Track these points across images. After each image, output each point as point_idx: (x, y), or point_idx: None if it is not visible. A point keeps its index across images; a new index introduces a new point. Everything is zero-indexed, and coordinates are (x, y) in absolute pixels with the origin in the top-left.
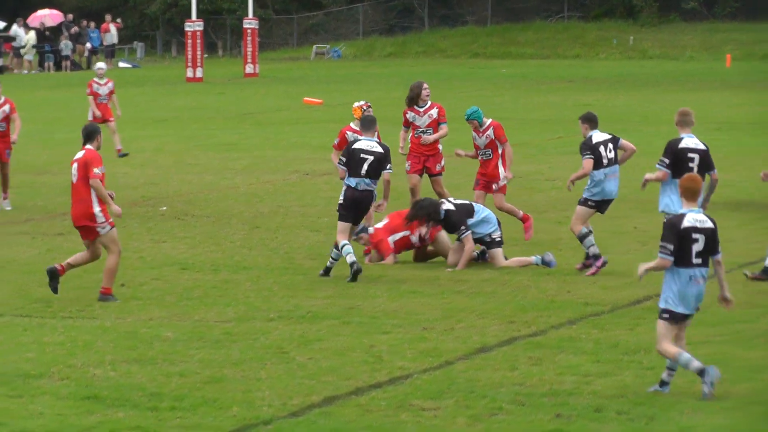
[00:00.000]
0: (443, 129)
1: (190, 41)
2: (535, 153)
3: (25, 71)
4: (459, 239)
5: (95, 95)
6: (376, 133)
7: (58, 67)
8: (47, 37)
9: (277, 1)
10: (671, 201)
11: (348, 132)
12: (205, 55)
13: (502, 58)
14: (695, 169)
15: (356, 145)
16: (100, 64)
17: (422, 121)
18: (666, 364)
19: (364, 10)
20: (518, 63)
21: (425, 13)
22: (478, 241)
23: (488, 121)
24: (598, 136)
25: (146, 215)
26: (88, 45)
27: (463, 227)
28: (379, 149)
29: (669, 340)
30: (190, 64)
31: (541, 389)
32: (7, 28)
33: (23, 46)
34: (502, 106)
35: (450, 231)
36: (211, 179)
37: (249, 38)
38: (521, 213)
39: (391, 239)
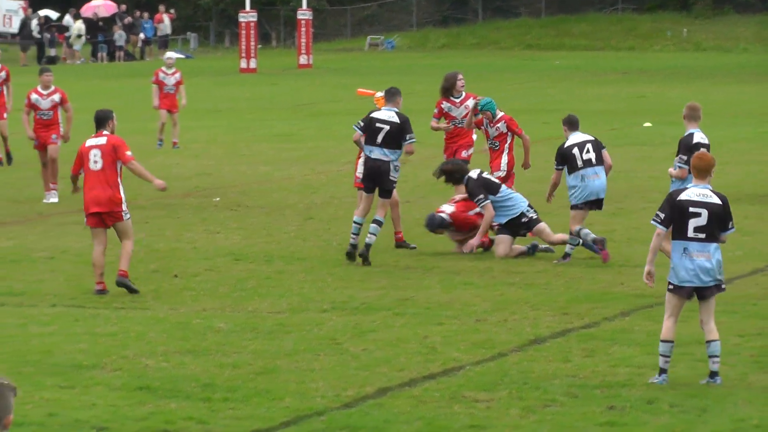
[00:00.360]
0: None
1: (243, 32)
2: None
3: (77, 61)
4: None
5: (161, 84)
6: (399, 105)
7: (111, 57)
8: (100, 27)
9: None
10: None
11: None
12: (259, 46)
13: (555, 50)
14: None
15: (374, 114)
16: (170, 54)
17: (458, 112)
18: (707, 352)
19: (418, 1)
20: (572, 55)
21: (479, 5)
22: (513, 225)
23: (500, 114)
24: (575, 137)
25: (200, 206)
26: (142, 36)
27: (481, 196)
28: (396, 119)
29: (672, 315)
30: (243, 55)
31: (594, 381)
32: (60, 19)
33: (79, 36)
34: (556, 97)
35: (470, 198)
36: (265, 170)
37: (303, 29)
38: None
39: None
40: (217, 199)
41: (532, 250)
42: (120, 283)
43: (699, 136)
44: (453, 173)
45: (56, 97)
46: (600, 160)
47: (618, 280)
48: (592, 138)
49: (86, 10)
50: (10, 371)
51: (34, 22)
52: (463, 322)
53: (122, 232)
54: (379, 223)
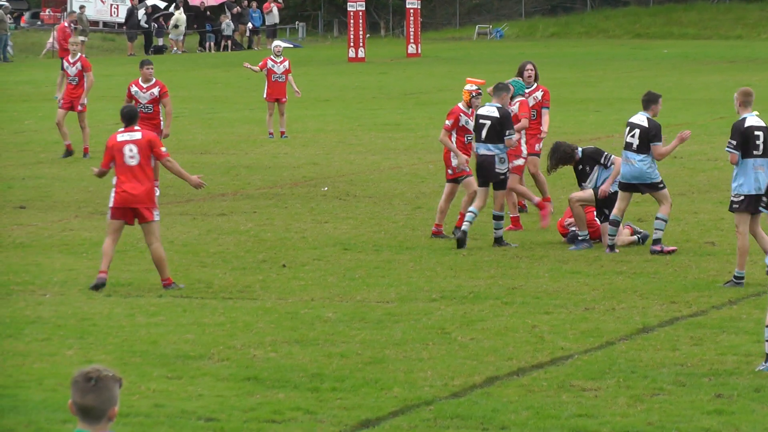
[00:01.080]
0: (545, 116)
1: (352, 21)
2: (698, 133)
3: (177, 51)
4: (607, 166)
5: (270, 72)
6: (505, 101)
7: (218, 47)
8: (208, 17)
9: None
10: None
11: (460, 114)
12: (368, 35)
13: (664, 39)
14: (761, 147)
15: (479, 111)
16: (278, 42)
17: (530, 101)
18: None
19: None
20: (680, 43)
21: None
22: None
23: (518, 99)
24: (633, 117)
25: (308, 195)
26: (250, 25)
27: (605, 154)
28: (496, 114)
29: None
30: (352, 44)
31: (702, 369)
32: (168, 7)
33: (176, 26)
34: (665, 86)
35: (582, 178)
36: (374, 159)
37: (411, 18)
38: (536, 198)
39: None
40: (326, 188)
41: (642, 240)
42: (168, 287)
43: (754, 120)
44: (565, 158)
45: (156, 91)
46: (642, 149)
47: (726, 268)
48: (644, 126)
49: (194, 0)
50: (118, 362)
51: (141, 12)
52: (571, 311)
53: (150, 233)
54: (498, 217)
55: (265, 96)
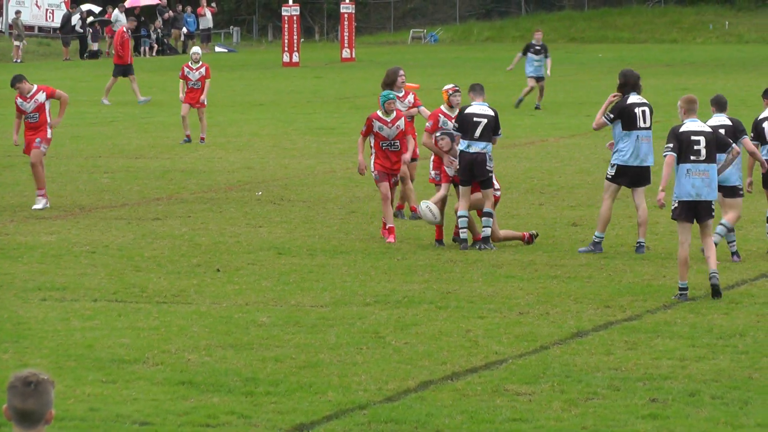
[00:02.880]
0: (423, 110)
1: (286, 26)
2: None
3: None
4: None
5: (186, 79)
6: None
7: (151, 51)
8: (143, 21)
9: None
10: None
11: (440, 115)
12: (302, 40)
13: (599, 42)
14: (702, 152)
15: (469, 110)
16: (195, 49)
17: (402, 107)
18: None
19: None
20: (615, 47)
21: None
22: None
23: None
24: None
25: (243, 200)
26: (184, 30)
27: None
28: (491, 112)
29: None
30: (286, 48)
31: (636, 374)
32: (103, 13)
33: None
34: (600, 90)
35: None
36: (309, 163)
37: (346, 23)
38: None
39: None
40: (260, 192)
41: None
42: None
43: (693, 125)
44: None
45: (40, 96)
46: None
47: (661, 273)
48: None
49: (131, 4)
50: (53, 365)
51: (76, 17)
52: (506, 316)
53: None
54: (489, 215)
55: (181, 98)
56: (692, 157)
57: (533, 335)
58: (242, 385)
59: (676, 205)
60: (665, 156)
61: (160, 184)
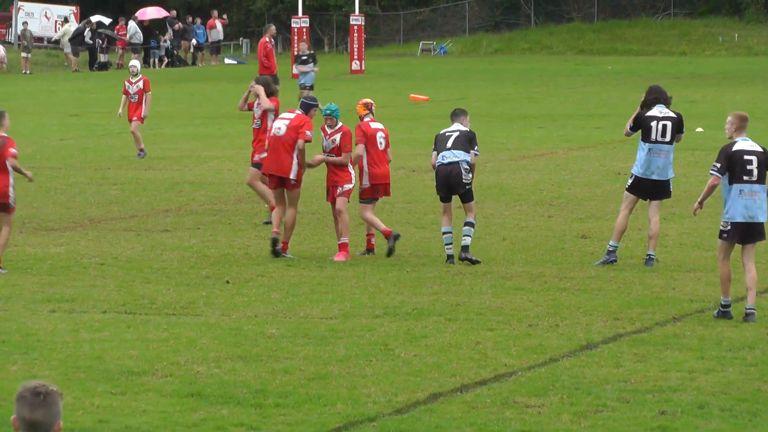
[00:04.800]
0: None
1: (296, 37)
2: None
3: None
4: None
5: (126, 93)
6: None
7: (161, 63)
8: (153, 33)
9: None
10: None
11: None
12: (312, 52)
13: (608, 55)
14: (754, 172)
15: (442, 131)
16: (134, 62)
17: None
18: None
19: (470, 6)
20: (624, 59)
21: (531, 10)
22: None
23: (340, 125)
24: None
25: (252, 211)
26: (194, 41)
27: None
28: (464, 128)
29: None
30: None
31: (645, 386)
32: (113, 24)
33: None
34: (609, 102)
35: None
36: (317, 175)
37: (355, 35)
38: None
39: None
40: (269, 205)
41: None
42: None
43: (744, 144)
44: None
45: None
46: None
47: (670, 285)
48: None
49: (141, 16)
50: (62, 377)
51: (69, 26)
52: (515, 328)
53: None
54: (470, 224)
55: (119, 114)
56: (745, 177)
57: (542, 347)
58: (251, 397)
59: (729, 227)
60: (710, 175)
61: (169, 196)
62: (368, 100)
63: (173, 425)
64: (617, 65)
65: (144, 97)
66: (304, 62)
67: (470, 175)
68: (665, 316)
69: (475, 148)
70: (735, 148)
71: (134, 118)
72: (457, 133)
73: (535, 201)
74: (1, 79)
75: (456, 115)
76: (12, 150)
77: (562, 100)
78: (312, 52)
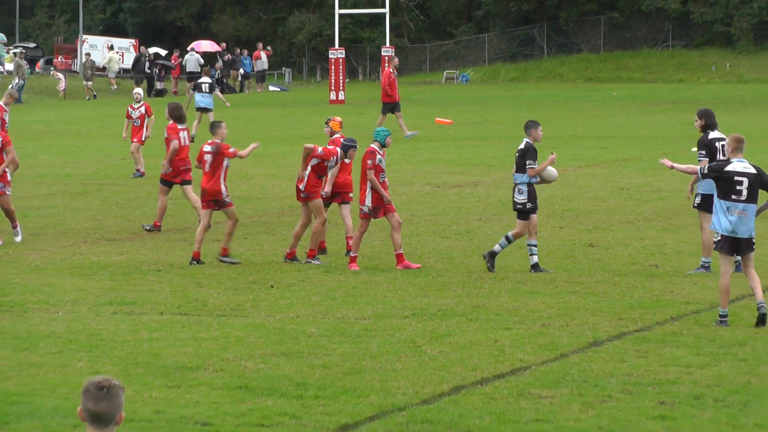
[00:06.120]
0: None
1: (333, 67)
2: (644, 167)
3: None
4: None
5: (129, 118)
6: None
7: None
8: (211, 64)
9: (412, 31)
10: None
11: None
12: (347, 80)
13: (613, 82)
14: (744, 192)
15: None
16: (137, 90)
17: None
18: None
19: (490, 39)
20: (628, 86)
21: (544, 42)
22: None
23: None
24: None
25: (293, 223)
26: (241, 71)
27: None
28: (522, 146)
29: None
30: (333, 87)
31: (647, 379)
32: (169, 56)
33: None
34: (614, 125)
35: None
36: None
37: (386, 64)
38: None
39: None
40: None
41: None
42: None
43: (738, 165)
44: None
45: None
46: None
47: (669, 288)
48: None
49: (197, 48)
50: (123, 372)
51: (145, 58)
52: (530, 327)
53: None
54: (529, 245)
55: (124, 137)
56: (733, 196)
57: (554, 344)
58: (293, 390)
59: (719, 237)
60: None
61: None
62: (340, 119)
63: (223, 415)
64: (621, 91)
65: (146, 121)
66: (203, 89)
67: (522, 197)
68: (664, 316)
69: (528, 162)
70: (728, 168)
71: (134, 140)
72: (517, 154)
73: (548, 213)
74: (65, 105)
75: (526, 128)
76: (230, 150)
77: (572, 123)
78: (212, 81)
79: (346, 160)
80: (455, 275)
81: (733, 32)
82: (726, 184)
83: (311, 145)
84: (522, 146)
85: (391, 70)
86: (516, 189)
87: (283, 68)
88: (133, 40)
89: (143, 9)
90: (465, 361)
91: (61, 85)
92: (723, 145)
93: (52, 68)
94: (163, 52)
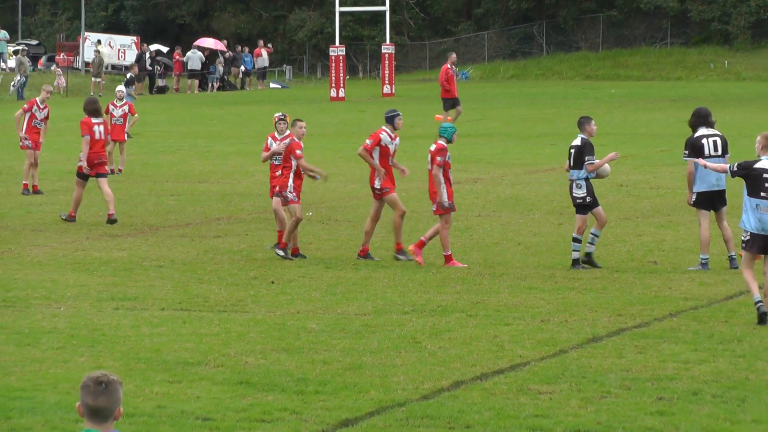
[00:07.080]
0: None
1: (333, 64)
2: (642, 164)
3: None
4: None
5: (111, 116)
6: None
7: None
8: (212, 61)
9: (412, 29)
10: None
11: (270, 139)
12: (347, 77)
13: (611, 80)
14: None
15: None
16: (120, 88)
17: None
18: None
19: (489, 37)
20: (626, 84)
21: (543, 40)
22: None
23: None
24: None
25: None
26: (242, 68)
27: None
28: (578, 142)
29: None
30: (333, 84)
31: (645, 375)
32: (170, 53)
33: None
34: (613, 122)
35: None
36: (353, 187)
37: (386, 62)
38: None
39: None
40: (310, 213)
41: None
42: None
43: (765, 163)
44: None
45: None
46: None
47: (667, 285)
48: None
49: (201, 44)
50: (124, 368)
51: (146, 55)
52: (529, 323)
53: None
54: (576, 240)
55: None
56: (762, 194)
57: (553, 340)
58: (294, 385)
59: (748, 236)
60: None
61: (220, 206)
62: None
63: (224, 410)
64: (620, 89)
65: (129, 119)
66: (127, 84)
67: (581, 191)
68: (663, 312)
69: (587, 158)
70: (757, 165)
71: (118, 140)
72: (572, 150)
73: (547, 210)
74: (68, 102)
75: (580, 124)
76: (297, 152)
77: (570, 120)
78: (132, 76)
79: (394, 141)
80: (455, 271)
81: (730, 30)
82: (754, 182)
83: (363, 146)
84: (578, 142)
85: (449, 66)
86: (574, 184)
87: (284, 65)
88: (134, 38)
89: (145, 6)
90: (464, 356)
91: (57, 81)
92: (714, 141)
93: (54, 65)
94: (164, 50)
